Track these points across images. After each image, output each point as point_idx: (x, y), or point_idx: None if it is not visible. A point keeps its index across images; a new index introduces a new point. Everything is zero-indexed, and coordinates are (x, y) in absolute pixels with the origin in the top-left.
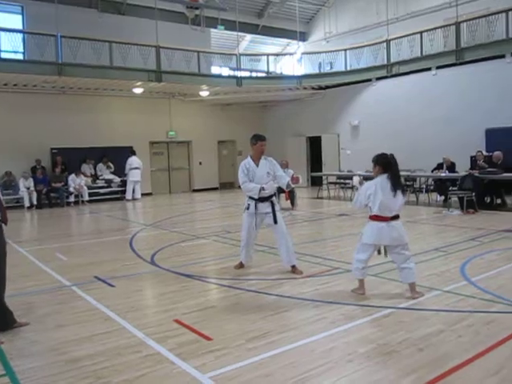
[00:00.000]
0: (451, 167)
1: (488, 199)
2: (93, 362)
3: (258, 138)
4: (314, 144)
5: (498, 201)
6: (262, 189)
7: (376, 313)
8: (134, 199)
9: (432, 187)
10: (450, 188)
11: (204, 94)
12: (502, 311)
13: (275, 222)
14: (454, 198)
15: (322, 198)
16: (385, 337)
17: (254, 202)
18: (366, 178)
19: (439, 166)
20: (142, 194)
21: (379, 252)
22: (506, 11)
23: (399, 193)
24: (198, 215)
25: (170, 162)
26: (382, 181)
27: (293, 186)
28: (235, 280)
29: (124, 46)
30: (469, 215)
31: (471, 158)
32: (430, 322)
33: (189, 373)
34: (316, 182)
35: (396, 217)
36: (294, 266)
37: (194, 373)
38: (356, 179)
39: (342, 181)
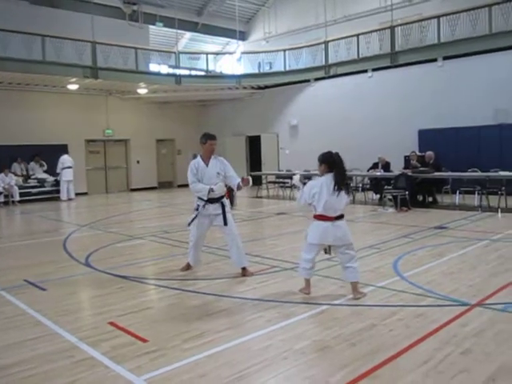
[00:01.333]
0: (386, 167)
1: (420, 197)
2: (21, 370)
3: (208, 137)
4: (254, 143)
5: (430, 199)
6: (211, 190)
7: (311, 310)
8: (68, 199)
9: (368, 186)
10: (385, 187)
11: (142, 91)
12: (431, 305)
13: (225, 223)
14: (389, 197)
15: (261, 197)
16: (319, 333)
17: (203, 202)
18: (306, 178)
19: (375, 166)
20: (77, 194)
21: (325, 251)
22: (438, 17)
23: (343, 192)
24: (136, 215)
25: (106, 160)
26: (327, 179)
27: (243, 187)
28: (172, 280)
29: (57, 41)
30: (402, 213)
31: (405, 157)
32: (363, 317)
33: (123, 376)
34: (255, 181)
35: (340, 216)
36: (244, 268)
37: (129, 376)
38: (296, 178)
39: (281, 180)
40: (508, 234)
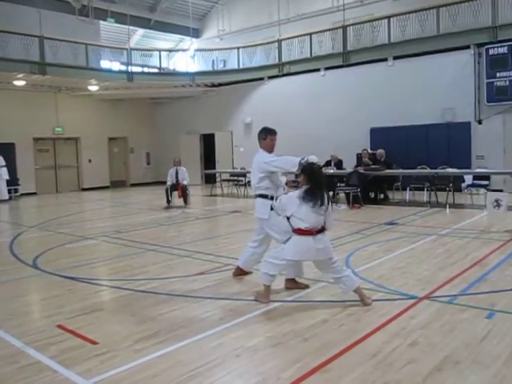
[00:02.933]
0: (339, 164)
1: (372, 194)
2: None
3: (267, 132)
4: (208, 141)
5: (382, 196)
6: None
7: (264, 307)
8: (4, 200)
9: None
10: (338, 184)
11: (93, 88)
12: (381, 299)
13: None
14: (342, 194)
15: (215, 195)
16: (272, 330)
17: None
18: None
19: (327, 163)
20: (26, 194)
21: None
22: (388, 17)
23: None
24: (87, 215)
25: (56, 159)
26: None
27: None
28: (124, 281)
29: (2, 35)
30: (355, 210)
31: (357, 155)
32: (315, 313)
33: (72, 380)
34: (209, 179)
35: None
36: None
37: (78, 379)
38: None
39: (235, 178)
40: (455, 228)
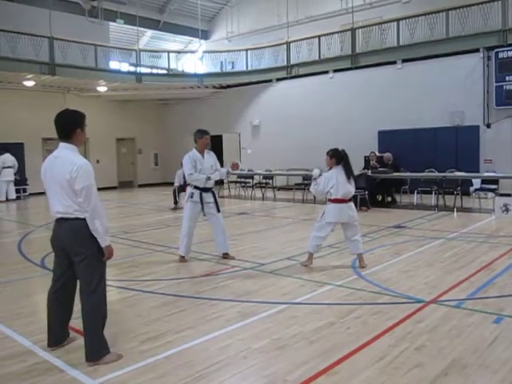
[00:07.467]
0: None
1: (380, 197)
2: None
3: (203, 133)
4: (215, 143)
5: (389, 199)
6: (208, 178)
7: (271, 309)
8: (7, 200)
9: None
10: None
11: (102, 89)
12: (388, 302)
13: (218, 210)
14: None
15: (223, 196)
16: (278, 332)
17: (198, 191)
18: (266, 177)
19: None
20: (34, 194)
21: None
22: (397, 20)
23: (352, 179)
24: None
25: None
26: (338, 171)
27: (232, 172)
28: (131, 281)
29: (12, 35)
30: (362, 212)
31: (365, 158)
32: (321, 316)
33: (79, 379)
34: (217, 181)
35: (351, 199)
36: (227, 253)
37: (84, 379)
38: (317, 171)
39: (242, 180)
40: (463, 232)
